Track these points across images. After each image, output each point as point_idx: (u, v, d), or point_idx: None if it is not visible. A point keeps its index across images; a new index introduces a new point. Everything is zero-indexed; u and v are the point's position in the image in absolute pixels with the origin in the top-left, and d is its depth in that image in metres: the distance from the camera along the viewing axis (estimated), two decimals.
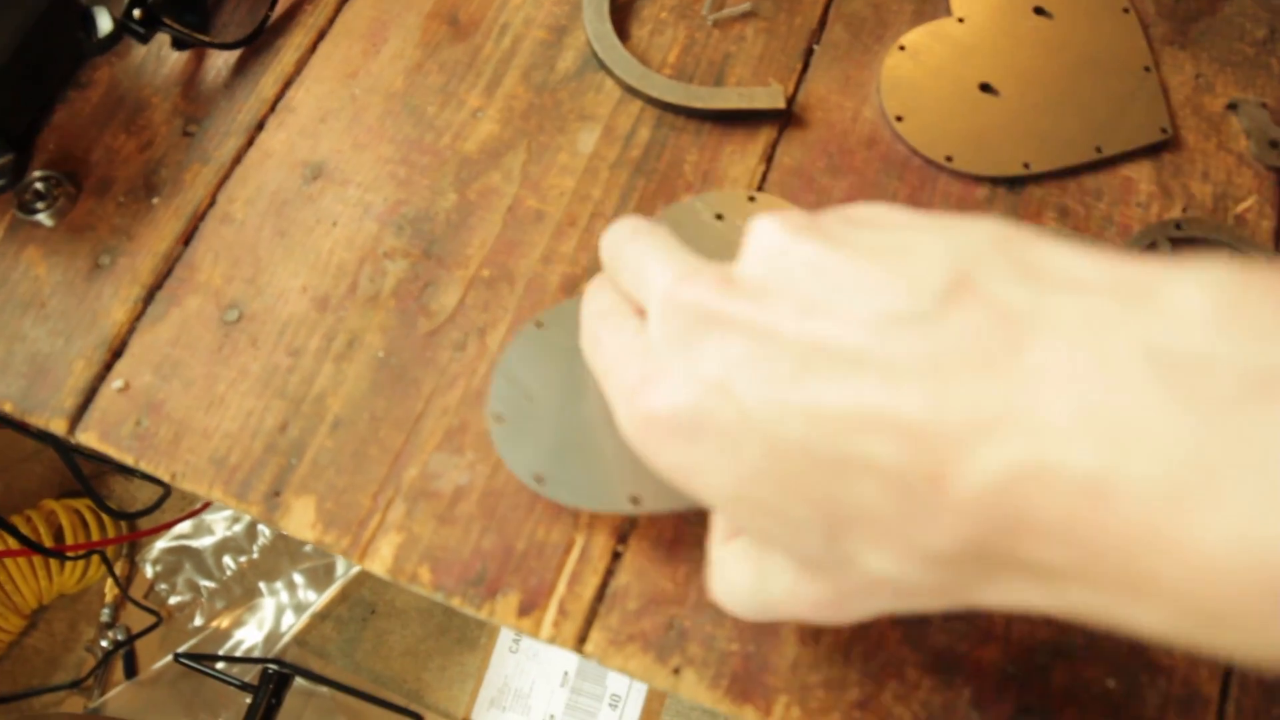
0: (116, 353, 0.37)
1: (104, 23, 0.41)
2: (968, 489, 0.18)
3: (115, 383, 0.37)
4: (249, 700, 0.81)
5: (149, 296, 0.38)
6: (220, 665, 0.91)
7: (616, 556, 0.33)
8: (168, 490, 0.85)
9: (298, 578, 0.96)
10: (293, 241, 0.38)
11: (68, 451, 0.66)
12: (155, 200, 0.39)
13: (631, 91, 0.40)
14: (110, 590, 0.97)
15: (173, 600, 0.96)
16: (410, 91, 0.41)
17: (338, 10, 0.43)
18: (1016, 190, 0.39)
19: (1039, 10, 0.42)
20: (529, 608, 0.32)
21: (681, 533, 0.33)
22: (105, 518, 0.96)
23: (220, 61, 0.42)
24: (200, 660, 0.89)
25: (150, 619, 0.96)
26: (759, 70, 0.41)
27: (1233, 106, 0.41)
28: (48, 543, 0.90)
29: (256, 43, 0.43)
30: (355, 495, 0.34)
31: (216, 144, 0.41)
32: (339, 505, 0.34)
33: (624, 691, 0.87)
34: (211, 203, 0.39)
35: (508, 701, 0.88)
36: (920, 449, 0.19)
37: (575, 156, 0.39)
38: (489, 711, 0.88)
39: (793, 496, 0.22)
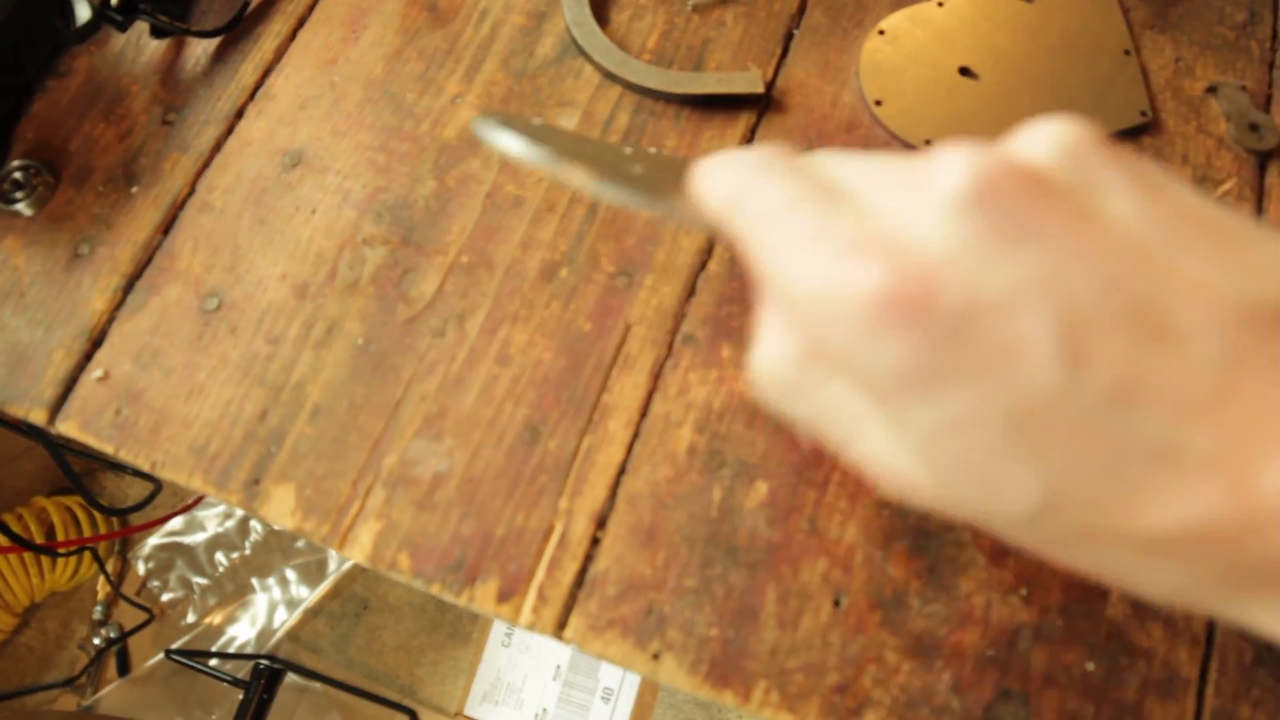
0: (96, 342, 0.37)
1: (82, 11, 0.41)
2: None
3: (95, 372, 0.36)
4: (241, 696, 0.81)
5: (128, 285, 0.38)
6: (213, 662, 0.90)
7: (595, 542, 0.33)
8: (159, 486, 0.84)
9: (290, 573, 0.96)
10: (272, 229, 0.38)
11: (57, 448, 0.66)
12: (134, 189, 0.39)
13: (610, 77, 0.40)
14: (102, 587, 0.97)
15: (165, 597, 0.96)
16: (390, 78, 0.41)
17: None
18: None
19: None
20: (508, 594, 0.32)
21: (660, 519, 0.33)
22: (97, 515, 0.95)
23: (200, 49, 0.42)
24: (192, 657, 0.89)
25: (143, 616, 0.96)
26: (738, 55, 0.41)
27: (1212, 90, 0.41)
28: (39, 540, 0.90)
29: (236, 30, 0.42)
30: (335, 482, 0.34)
31: (196, 132, 0.40)
32: (318, 493, 0.34)
33: (616, 685, 0.87)
34: (191, 191, 0.39)
35: (500, 696, 0.88)
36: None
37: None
38: (482, 706, 0.88)
39: (1058, 452, 0.20)
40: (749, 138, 0.39)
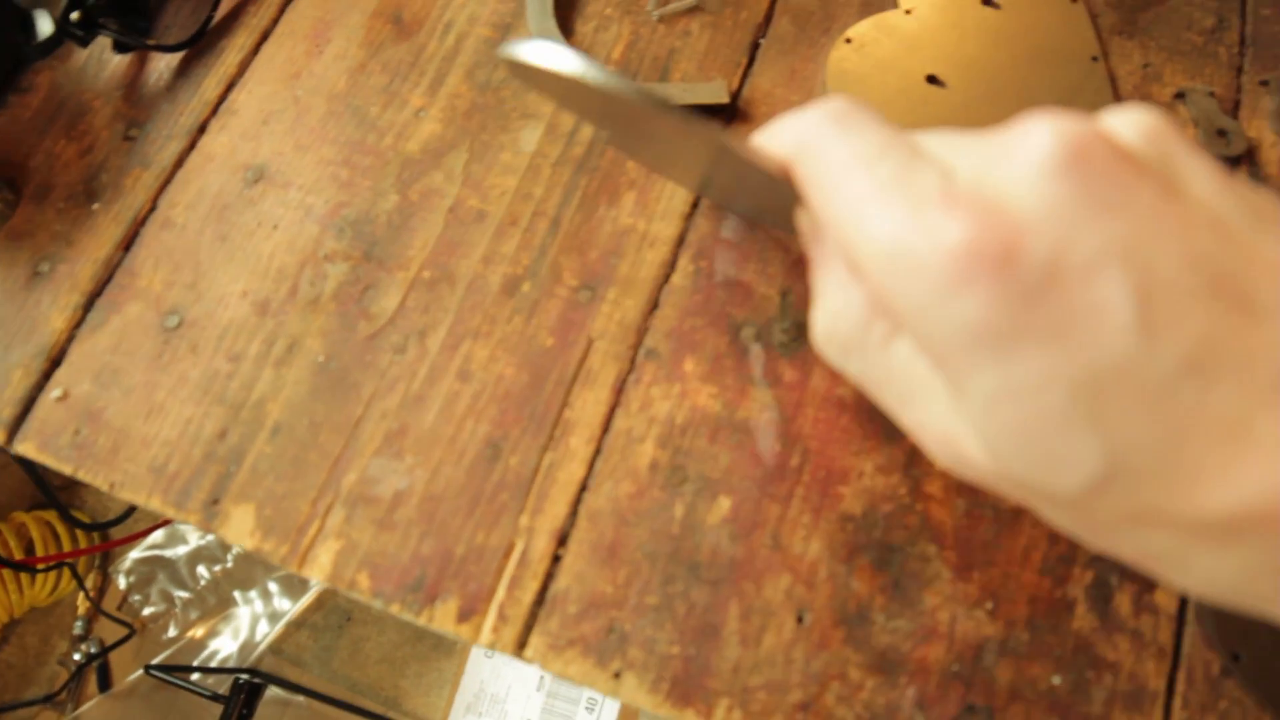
0: (55, 361, 0.37)
1: (44, 26, 0.41)
2: None
3: (54, 392, 0.36)
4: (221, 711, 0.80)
5: (88, 304, 0.37)
6: (195, 676, 0.90)
7: (556, 560, 0.33)
8: None
9: (272, 586, 0.95)
10: (233, 246, 0.38)
11: (32, 464, 0.66)
12: (95, 206, 0.39)
13: None
14: (82, 603, 0.97)
15: (146, 611, 0.96)
16: (353, 92, 0.40)
17: (281, 11, 0.43)
18: None
19: (987, 1, 0.42)
20: (468, 613, 0.32)
21: (622, 535, 0.33)
22: (77, 529, 0.95)
23: (162, 64, 0.42)
24: (172, 671, 0.88)
25: (123, 631, 0.95)
26: (704, 65, 0.41)
27: (1181, 95, 0.41)
28: (18, 556, 0.89)
29: (199, 44, 0.42)
30: (294, 502, 0.34)
31: (158, 148, 0.40)
32: (278, 512, 0.34)
33: (600, 696, 0.86)
34: (152, 208, 0.39)
35: (484, 707, 0.87)
36: None
37: (518, 155, 0.39)
38: (465, 717, 0.88)
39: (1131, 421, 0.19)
40: None
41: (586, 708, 0.85)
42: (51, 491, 0.74)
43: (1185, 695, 0.31)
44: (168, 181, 0.39)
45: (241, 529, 0.34)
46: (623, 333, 0.36)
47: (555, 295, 0.36)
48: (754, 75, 0.41)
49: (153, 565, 0.96)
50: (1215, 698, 0.31)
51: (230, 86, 0.41)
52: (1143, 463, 0.20)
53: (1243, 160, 0.39)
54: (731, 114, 0.40)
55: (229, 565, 0.96)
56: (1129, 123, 0.22)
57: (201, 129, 0.40)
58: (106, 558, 1.00)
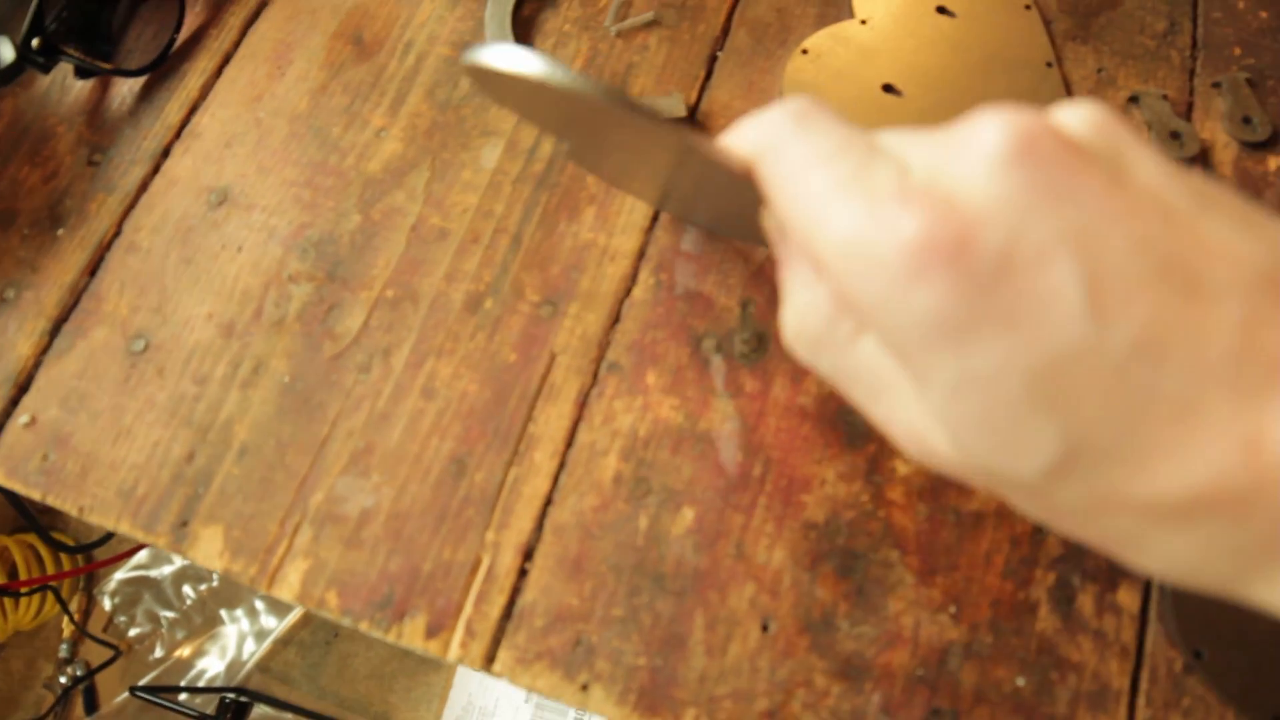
0: (22, 387, 0.37)
1: (5, 52, 0.41)
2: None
3: (21, 418, 0.36)
4: None
5: (55, 329, 0.37)
6: (183, 696, 0.90)
7: (523, 574, 0.33)
8: None
9: (259, 604, 0.95)
10: (198, 269, 0.38)
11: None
12: (60, 231, 0.39)
13: None
14: (67, 625, 0.96)
15: (132, 632, 0.95)
16: (315, 113, 0.41)
17: (242, 34, 0.43)
18: None
19: (941, 10, 0.42)
20: (436, 629, 0.32)
21: (587, 548, 0.33)
22: (61, 552, 0.95)
23: (125, 88, 0.42)
24: (158, 692, 0.88)
25: (109, 653, 0.94)
26: (662, 79, 0.41)
27: (1134, 99, 0.41)
28: (1, 579, 0.89)
29: (161, 68, 0.42)
30: (262, 522, 0.34)
31: (122, 172, 0.40)
32: (246, 533, 0.34)
33: None
34: (117, 232, 0.39)
35: None
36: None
37: (479, 173, 0.39)
38: None
39: (1082, 407, 0.20)
40: None
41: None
42: (32, 515, 0.74)
43: (1149, 693, 0.32)
44: (132, 206, 0.39)
45: (210, 550, 0.34)
46: (585, 347, 0.36)
47: (517, 311, 0.36)
48: (712, 88, 0.41)
49: (138, 586, 0.96)
50: (1178, 695, 0.32)
51: (193, 110, 0.41)
52: (1100, 445, 0.20)
53: (1196, 162, 0.40)
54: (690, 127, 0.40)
55: (214, 584, 0.96)
56: (1078, 116, 0.22)
57: (165, 153, 0.41)
58: (91, 579, 0.99)
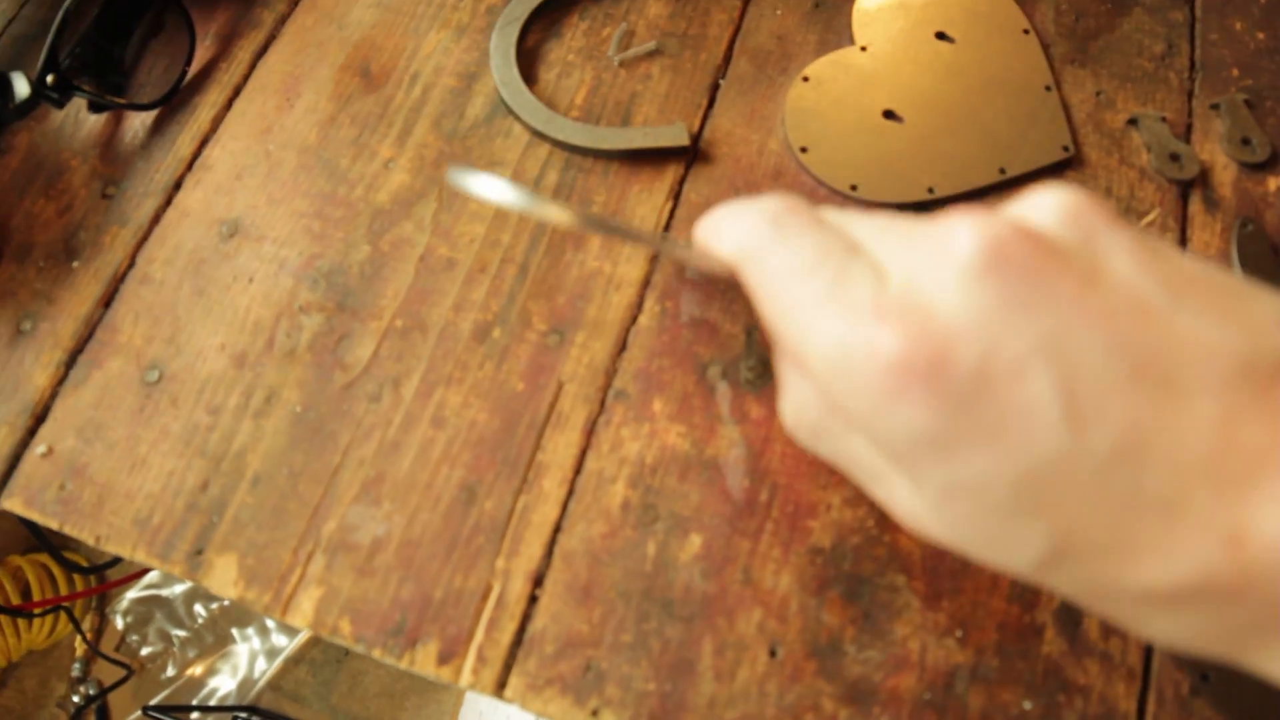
0: (40, 418, 0.37)
1: (20, 87, 0.41)
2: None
3: (39, 448, 0.37)
4: None
5: (71, 360, 0.38)
6: (194, 716, 0.90)
7: (533, 600, 0.33)
8: None
9: (270, 622, 0.95)
10: (211, 300, 0.39)
11: None
12: (75, 264, 0.40)
13: (539, 135, 0.40)
14: (80, 644, 0.97)
15: (144, 651, 0.96)
16: (323, 145, 0.41)
17: (252, 67, 0.44)
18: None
19: (941, 35, 0.43)
20: (448, 656, 0.33)
21: (596, 575, 0.33)
22: (74, 572, 0.95)
23: (138, 122, 0.43)
24: (170, 712, 0.88)
25: (121, 672, 0.95)
26: (665, 108, 0.42)
27: (1133, 122, 0.42)
28: (15, 599, 0.90)
29: (173, 102, 0.43)
30: (276, 550, 0.34)
31: (135, 205, 0.41)
32: (260, 561, 0.34)
33: None
34: (131, 264, 0.40)
35: None
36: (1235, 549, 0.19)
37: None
38: None
39: (1062, 512, 0.21)
40: (677, 190, 0.40)
41: None
42: (45, 536, 0.75)
43: (1156, 716, 0.32)
44: (145, 238, 0.40)
45: (225, 578, 0.34)
46: (592, 375, 0.36)
47: (525, 340, 0.37)
48: (714, 116, 0.42)
49: (150, 605, 0.97)
50: (1185, 716, 0.32)
51: (204, 142, 0.42)
52: (1087, 543, 0.21)
53: (1196, 183, 0.40)
54: (693, 155, 0.41)
55: (226, 603, 0.96)
56: (1048, 207, 0.23)
57: (177, 185, 0.41)
58: (103, 598, 1.00)
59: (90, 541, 0.35)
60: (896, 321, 0.21)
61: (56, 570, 0.94)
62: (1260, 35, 0.44)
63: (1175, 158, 0.40)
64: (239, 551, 0.34)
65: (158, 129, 0.43)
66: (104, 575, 0.93)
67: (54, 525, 0.36)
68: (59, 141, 0.43)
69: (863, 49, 0.42)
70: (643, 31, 0.44)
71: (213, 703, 0.93)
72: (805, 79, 0.41)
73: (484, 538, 0.34)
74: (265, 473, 0.36)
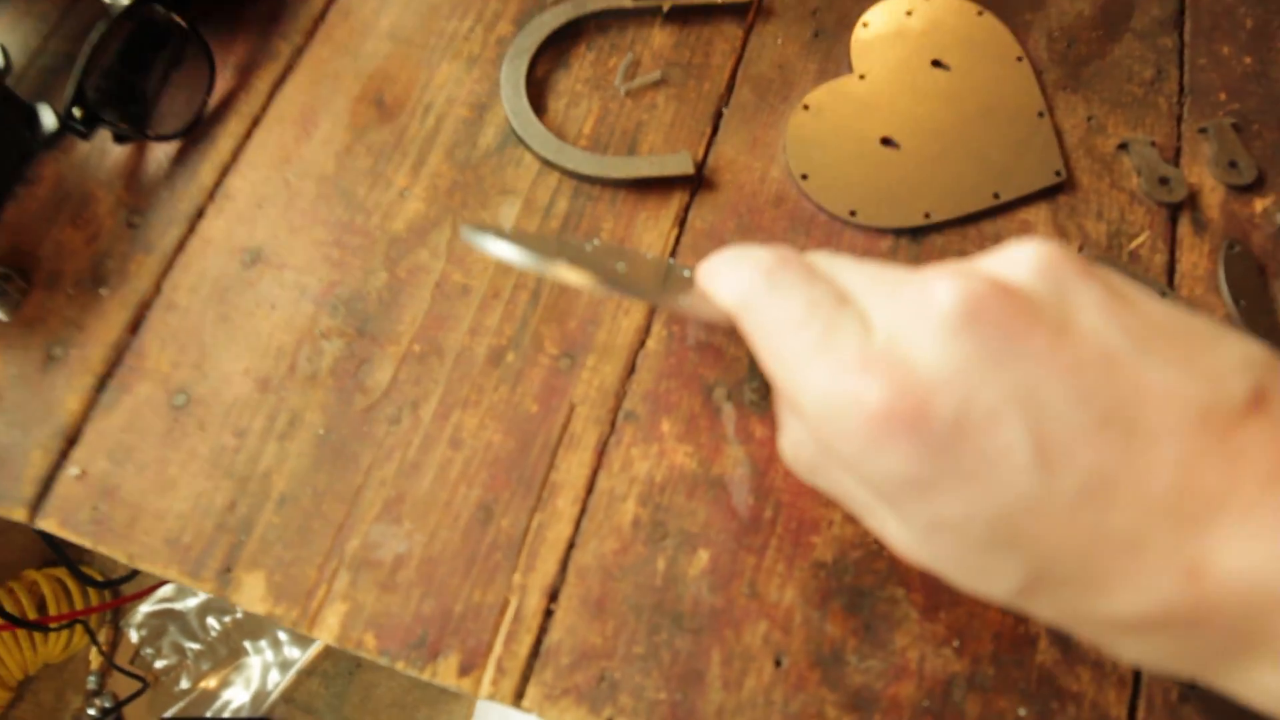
0: (72, 441, 0.39)
1: (48, 120, 0.43)
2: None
3: (72, 470, 0.38)
4: None
5: (100, 385, 0.39)
6: None
7: (549, 614, 0.35)
8: None
9: (282, 635, 0.97)
10: (234, 326, 0.40)
11: None
12: (103, 291, 0.41)
13: (549, 164, 0.42)
14: (95, 658, 0.98)
15: (159, 664, 0.97)
16: (341, 174, 0.43)
17: (270, 97, 0.45)
18: (918, 240, 0.41)
19: (937, 63, 0.44)
20: (469, 668, 0.34)
21: (609, 589, 0.35)
22: (89, 586, 0.97)
23: (161, 153, 0.44)
24: None
25: (136, 685, 0.96)
26: (671, 136, 0.43)
27: (1123, 146, 0.43)
28: (31, 613, 0.91)
29: (194, 133, 0.44)
30: (302, 568, 0.36)
31: (159, 234, 0.42)
32: (287, 578, 0.36)
33: None
34: (157, 291, 0.41)
35: None
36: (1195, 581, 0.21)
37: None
38: None
39: (1041, 542, 0.22)
40: (682, 217, 0.42)
41: None
42: (63, 553, 0.76)
43: None
44: (170, 266, 0.42)
45: (254, 595, 0.36)
46: (602, 397, 0.38)
47: (538, 364, 0.38)
48: (718, 144, 0.43)
49: (164, 618, 0.98)
50: None
51: (225, 172, 0.44)
52: (1058, 575, 0.23)
53: (1185, 206, 0.42)
54: (698, 183, 0.42)
55: (239, 616, 0.98)
56: (1023, 261, 0.24)
57: (200, 214, 0.43)
58: (118, 612, 1.01)
59: (124, 560, 0.37)
60: (880, 374, 0.23)
61: (72, 584, 0.96)
62: (1247, 60, 0.46)
63: (1164, 181, 0.42)
64: (267, 569, 0.36)
65: (180, 159, 0.44)
66: (119, 590, 0.94)
67: (88, 544, 0.37)
68: (85, 172, 0.44)
69: (861, 77, 0.44)
70: (648, 61, 0.45)
71: (226, 715, 0.94)
72: (805, 107, 0.43)
73: (501, 554, 0.35)
74: (290, 493, 0.37)
